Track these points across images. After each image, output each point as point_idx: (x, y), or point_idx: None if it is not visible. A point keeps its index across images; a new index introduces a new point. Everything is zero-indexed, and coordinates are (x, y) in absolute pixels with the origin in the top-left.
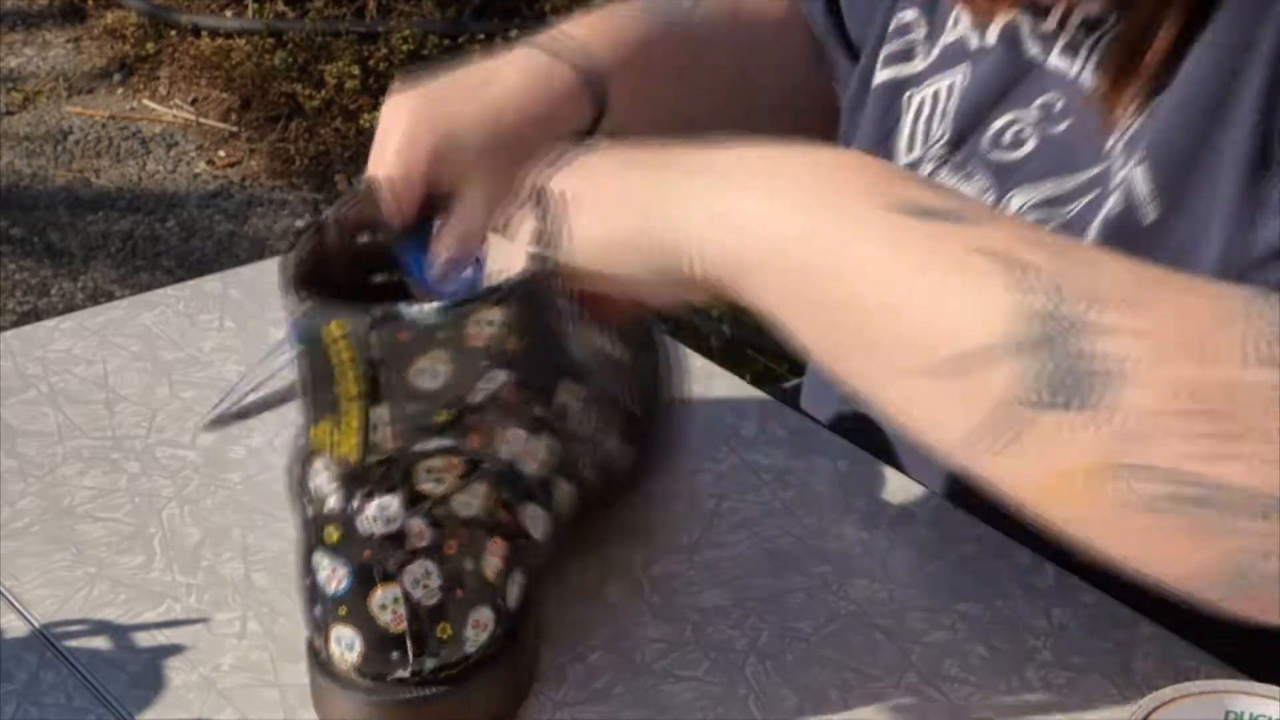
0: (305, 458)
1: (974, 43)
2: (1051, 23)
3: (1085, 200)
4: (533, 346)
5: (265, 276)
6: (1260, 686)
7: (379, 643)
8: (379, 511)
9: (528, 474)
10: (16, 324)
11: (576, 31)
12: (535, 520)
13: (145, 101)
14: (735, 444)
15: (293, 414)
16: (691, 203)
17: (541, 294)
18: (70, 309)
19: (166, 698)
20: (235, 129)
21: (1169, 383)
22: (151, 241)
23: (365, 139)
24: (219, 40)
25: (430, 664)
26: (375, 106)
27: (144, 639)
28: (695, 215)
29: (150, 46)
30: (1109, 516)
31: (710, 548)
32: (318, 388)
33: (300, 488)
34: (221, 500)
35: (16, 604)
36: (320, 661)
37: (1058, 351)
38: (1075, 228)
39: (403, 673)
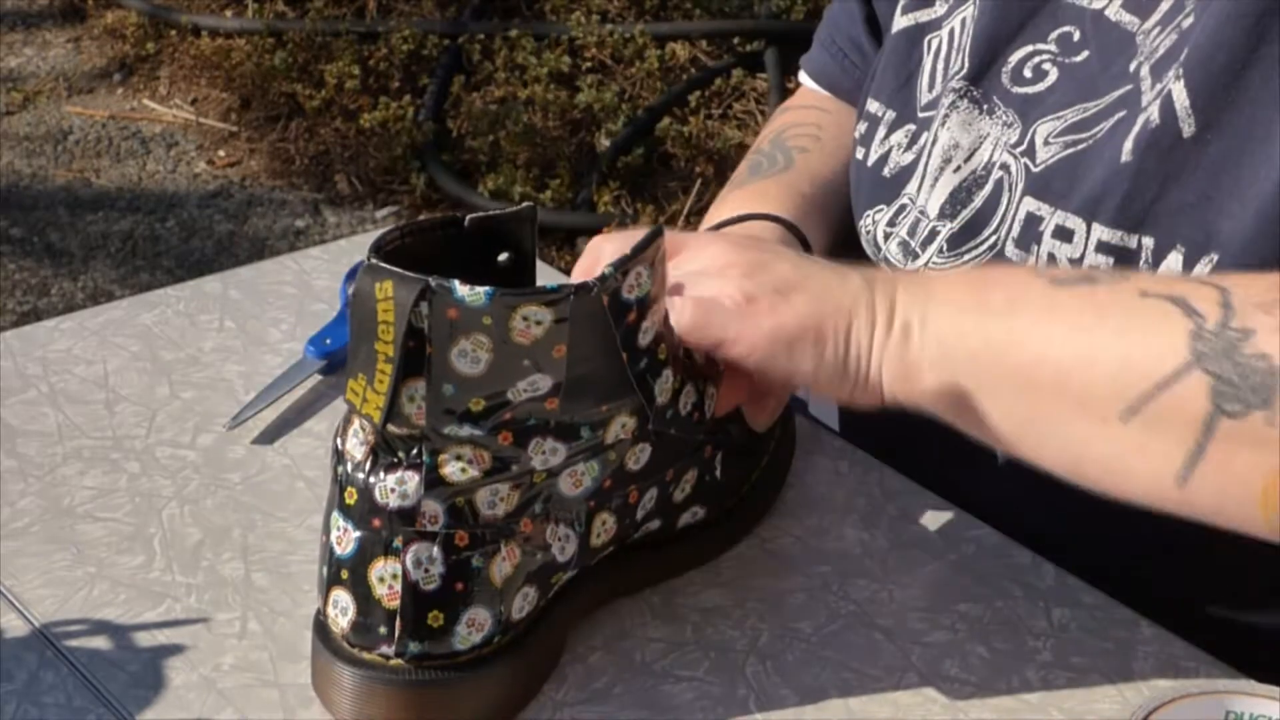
0: (346, 416)
1: None
2: None
3: (1112, 121)
4: (583, 362)
5: (265, 276)
6: (1260, 686)
7: (370, 613)
8: (396, 484)
9: (566, 494)
10: (16, 324)
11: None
12: (563, 541)
13: (145, 101)
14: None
15: (294, 415)
16: (867, 308)
17: (598, 311)
18: (70, 309)
19: (166, 698)
20: (235, 129)
21: None
22: (151, 241)
23: (365, 139)
24: (219, 40)
25: (414, 648)
26: (375, 106)
27: (144, 639)
28: (873, 321)
29: (150, 46)
30: None
31: None
32: (360, 343)
33: (336, 445)
34: (221, 500)
35: (16, 604)
36: (319, 625)
37: (1237, 361)
38: (1106, 147)
39: (386, 649)
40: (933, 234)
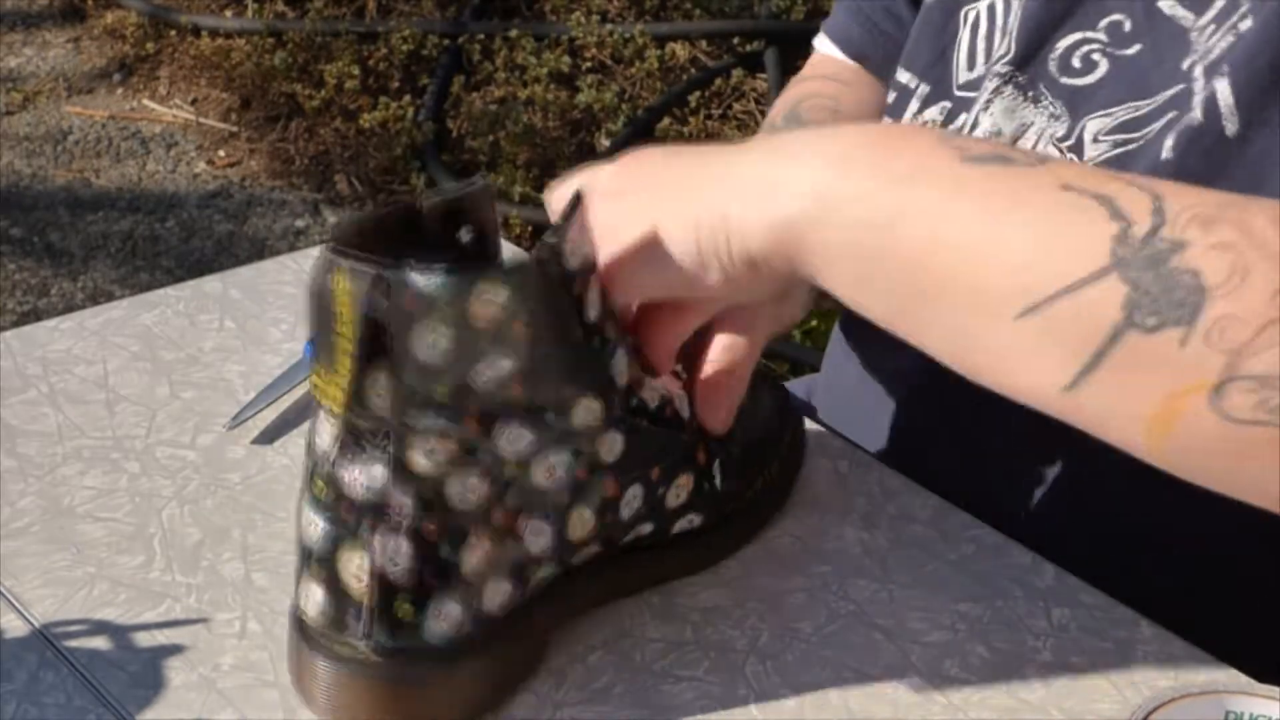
0: (314, 408)
1: None
2: None
3: (1163, 121)
4: (541, 342)
5: (265, 276)
6: (1260, 686)
7: (340, 604)
8: (364, 475)
9: (539, 485)
10: (16, 324)
11: None
12: (536, 534)
13: (145, 101)
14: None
15: (294, 415)
16: (742, 180)
17: (551, 287)
18: (70, 309)
19: (166, 698)
20: (235, 129)
21: (1264, 293)
22: (151, 241)
23: (365, 139)
24: (219, 40)
25: (384, 640)
26: (375, 106)
27: (144, 639)
28: (748, 190)
29: (150, 46)
30: (1217, 436)
31: None
32: (321, 335)
33: (308, 438)
34: (221, 500)
35: (16, 604)
36: (294, 617)
37: (1161, 273)
38: (1152, 148)
39: (355, 640)
40: None
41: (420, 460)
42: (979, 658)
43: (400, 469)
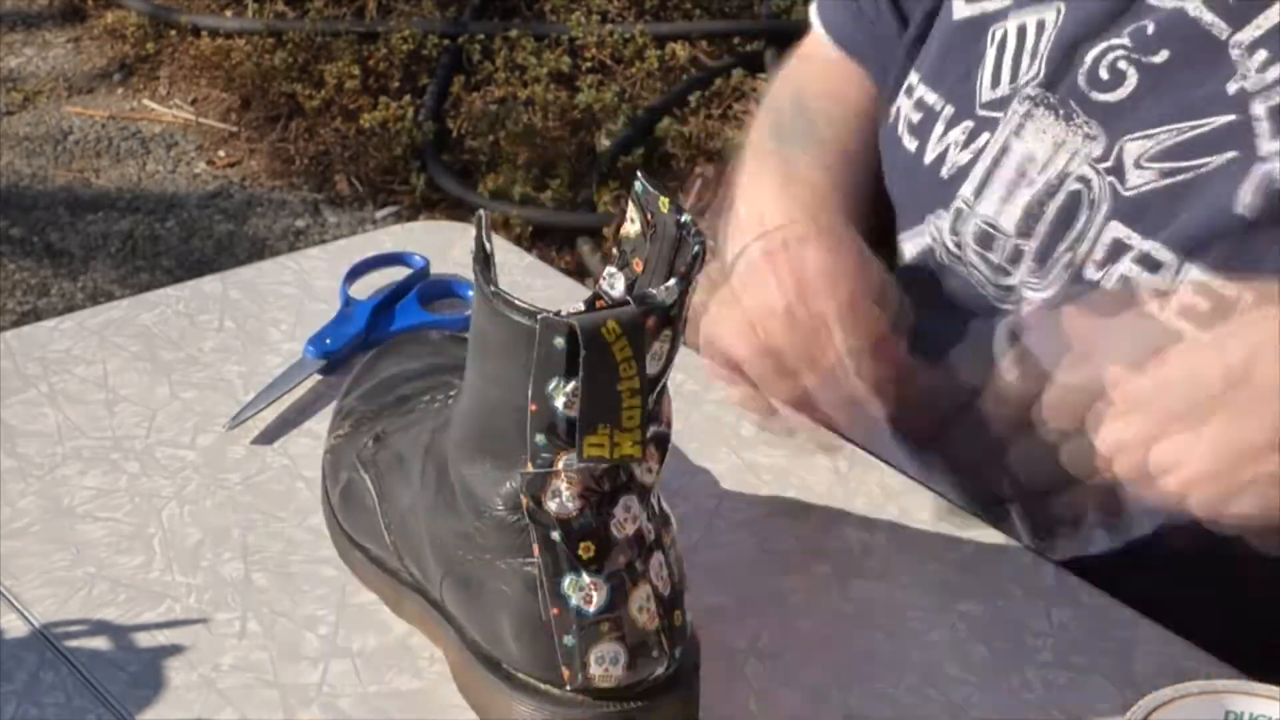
0: (539, 486)
1: None
2: None
3: (1221, 159)
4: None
5: (265, 276)
6: (1260, 686)
7: (642, 646)
8: (624, 512)
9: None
10: (16, 324)
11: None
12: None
13: (145, 101)
14: (735, 444)
15: (294, 415)
16: None
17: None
18: (70, 309)
19: (166, 698)
20: (235, 129)
21: None
22: (151, 241)
23: (365, 139)
24: (219, 40)
25: (679, 653)
26: (375, 106)
27: (144, 639)
28: None
29: (150, 46)
30: None
31: (710, 548)
32: (599, 392)
33: (534, 519)
34: (221, 500)
35: (16, 604)
36: (566, 692)
37: None
38: (1213, 185)
39: (660, 670)
40: (1018, 252)
41: (642, 475)
42: (979, 658)
43: (637, 487)
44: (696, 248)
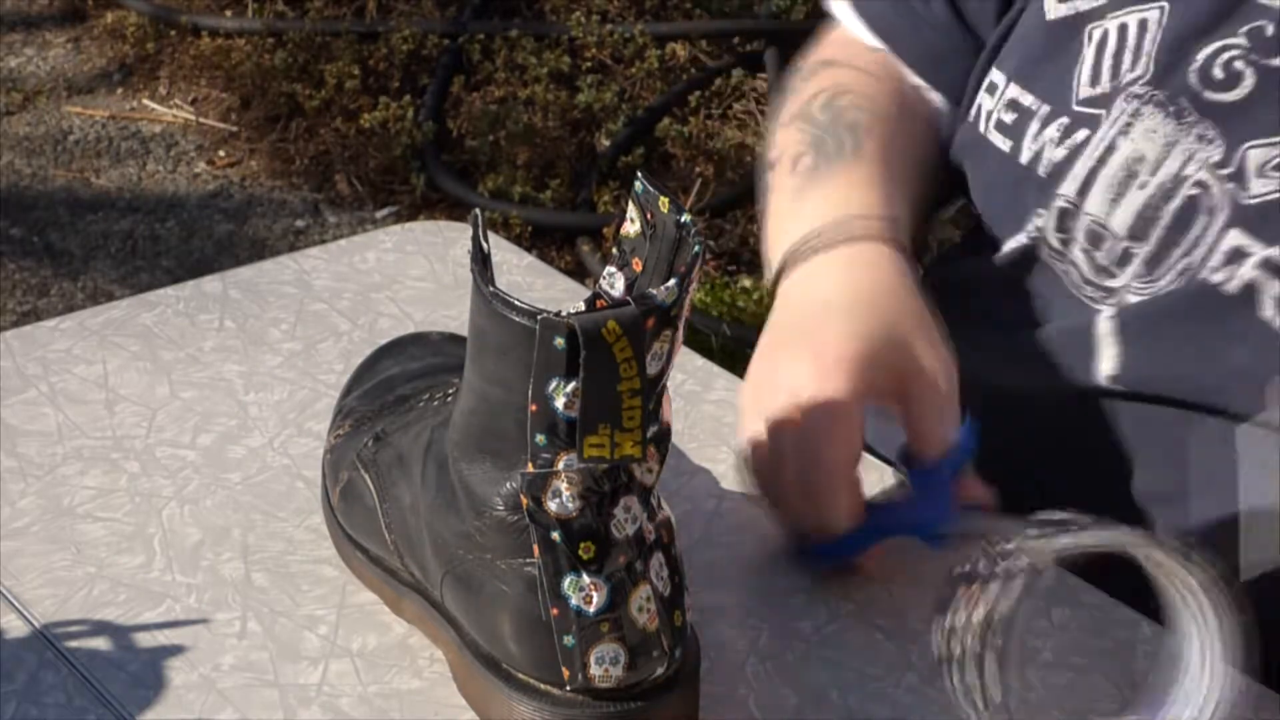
0: (539, 486)
1: None
2: None
3: None
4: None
5: (265, 276)
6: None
7: (641, 646)
8: (625, 512)
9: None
10: (16, 324)
11: (872, 200)
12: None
13: (145, 101)
14: (735, 444)
15: (294, 414)
16: None
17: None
18: (70, 309)
19: (166, 698)
20: (235, 129)
21: None
22: (151, 241)
23: (365, 139)
24: (219, 40)
25: (679, 653)
26: (375, 106)
27: (144, 639)
28: None
29: (150, 46)
30: None
31: (710, 548)
32: (599, 392)
33: (534, 519)
34: (221, 500)
35: (16, 604)
36: (566, 692)
37: None
38: None
39: (660, 670)
40: (1127, 255)
41: (642, 474)
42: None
43: (637, 487)
44: (696, 248)
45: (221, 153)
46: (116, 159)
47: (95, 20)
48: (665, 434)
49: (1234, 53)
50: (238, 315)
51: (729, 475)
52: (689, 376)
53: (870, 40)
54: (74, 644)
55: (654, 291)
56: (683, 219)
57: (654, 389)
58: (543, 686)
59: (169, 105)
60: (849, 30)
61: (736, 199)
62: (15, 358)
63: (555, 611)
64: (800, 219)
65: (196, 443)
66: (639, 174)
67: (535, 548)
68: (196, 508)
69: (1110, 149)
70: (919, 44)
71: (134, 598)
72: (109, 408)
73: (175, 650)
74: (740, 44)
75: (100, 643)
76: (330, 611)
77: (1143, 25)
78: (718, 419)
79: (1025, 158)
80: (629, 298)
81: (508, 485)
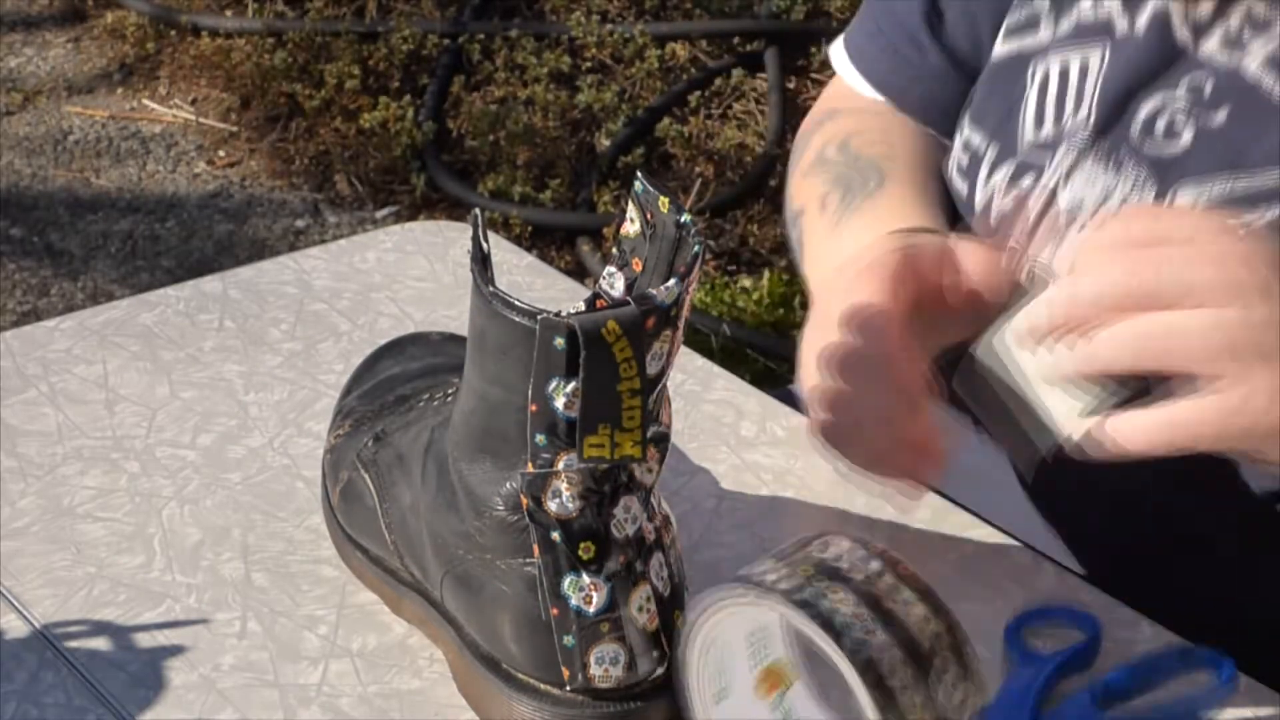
0: (539, 486)
1: (1120, 25)
2: (1205, 11)
3: (1275, 211)
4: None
5: (265, 276)
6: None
7: (641, 646)
8: (624, 512)
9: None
10: (16, 324)
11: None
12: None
13: (145, 101)
14: (735, 444)
15: (294, 414)
16: None
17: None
18: (70, 309)
19: (166, 698)
20: (235, 129)
21: None
22: (151, 241)
23: (365, 139)
24: (219, 40)
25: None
26: (375, 106)
27: (144, 639)
28: None
29: (150, 46)
30: None
31: (710, 548)
32: (599, 392)
33: (534, 519)
34: (221, 500)
35: (16, 604)
36: (566, 692)
37: None
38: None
39: (660, 670)
40: None
41: (642, 474)
42: (979, 658)
43: (637, 487)
44: (696, 247)
45: (221, 153)
46: (116, 159)
47: (95, 20)
48: (665, 434)
49: (1176, 108)
50: (238, 315)
51: (729, 475)
52: (689, 376)
53: (871, 93)
54: (74, 644)
55: (654, 291)
56: (683, 219)
57: (654, 389)
58: (543, 686)
59: (169, 105)
60: (849, 83)
61: (736, 199)
62: (15, 358)
63: (555, 611)
64: (840, 248)
65: (196, 443)
66: (639, 174)
67: (535, 548)
68: (196, 508)
69: (1052, 196)
70: (920, 96)
71: (134, 598)
72: (109, 408)
73: (175, 650)
74: (740, 44)
75: (100, 643)
76: (330, 611)
77: (1084, 70)
78: (718, 419)
79: (979, 203)
80: (629, 298)
81: (508, 485)
